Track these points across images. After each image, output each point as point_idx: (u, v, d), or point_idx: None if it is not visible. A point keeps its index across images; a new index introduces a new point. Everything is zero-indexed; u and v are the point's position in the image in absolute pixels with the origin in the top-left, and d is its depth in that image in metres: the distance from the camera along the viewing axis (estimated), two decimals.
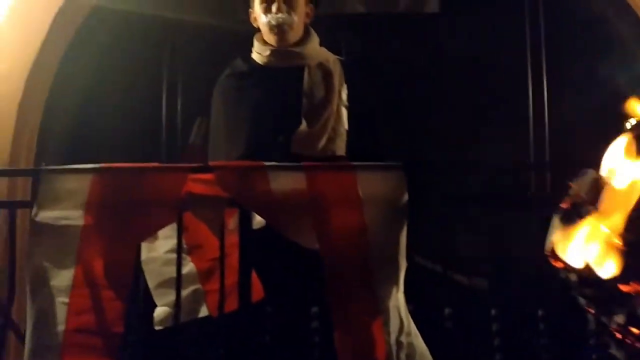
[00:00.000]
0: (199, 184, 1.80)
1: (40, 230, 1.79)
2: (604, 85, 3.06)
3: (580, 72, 3.07)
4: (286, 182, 1.78)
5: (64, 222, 1.78)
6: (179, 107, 3.28)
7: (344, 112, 2.24)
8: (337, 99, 2.23)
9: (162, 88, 3.30)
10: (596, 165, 1.67)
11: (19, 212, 2.28)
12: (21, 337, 1.81)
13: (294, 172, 1.79)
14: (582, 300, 1.17)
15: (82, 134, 3.35)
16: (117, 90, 3.31)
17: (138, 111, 3.29)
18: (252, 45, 2.34)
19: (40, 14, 3.08)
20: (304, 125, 2.16)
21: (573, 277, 1.11)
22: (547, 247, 1.17)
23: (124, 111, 3.29)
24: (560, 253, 1.10)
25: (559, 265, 1.11)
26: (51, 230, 1.78)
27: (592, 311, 1.17)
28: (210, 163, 1.85)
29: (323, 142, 2.17)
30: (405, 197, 1.76)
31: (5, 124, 3.05)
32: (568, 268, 1.11)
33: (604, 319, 1.13)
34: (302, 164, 1.83)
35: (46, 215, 1.80)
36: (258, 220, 1.84)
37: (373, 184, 1.77)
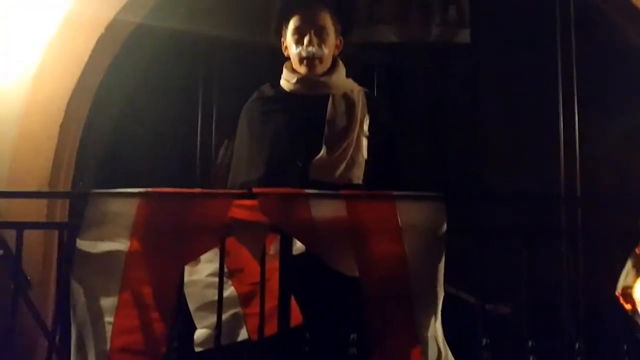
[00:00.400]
0: (242, 210, 1.84)
1: (86, 251, 1.85)
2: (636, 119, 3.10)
3: (613, 104, 3.09)
4: (327, 209, 1.82)
5: (110, 244, 1.84)
6: (213, 129, 3.36)
7: (364, 142, 2.28)
8: (358, 128, 2.27)
9: (198, 110, 3.38)
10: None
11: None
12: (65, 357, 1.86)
13: (335, 200, 1.83)
14: None
15: (118, 156, 3.45)
16: (153, 112, 3.40)
17: (173, 133, 3.38)
18: (281, 68, 2.41)
19: (84, 38, 3.20)
20: (323, 152, 2.20)
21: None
22: (619, 288, 1.18)
23: (159, 133, 3.38)
24: (634, 295, 1.12)
25: (628, 307, 1.12)
26: (97, 251, 1.84)
27: None
28: (254, 190, 1.88)
29: (341, 169, 2.21)
30: (444, 227, 1.79)
31: (47, 146, 3.15)
32: (636, 311, 1.12)
33: None
34: (342, 192, 1.88)
35: (92, 236, 1.86)
36: (298, 247, 1.88)
37: (413, 214, 1.80)
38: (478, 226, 1.94)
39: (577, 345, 1.73)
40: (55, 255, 3.11)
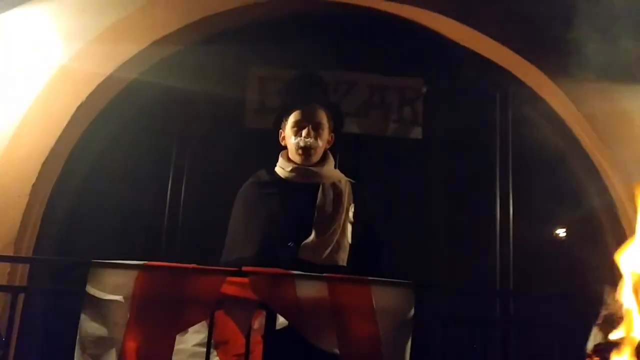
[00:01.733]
0: (233, 287, 2.04)
1: (88, 317, 1.98)
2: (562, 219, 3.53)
3: (543, 207, 3.51)
4: (310, 290, 2.04)
5: (110, 312, 1.98)
6: (181, 203, 3.52)
7: (349, 228, 2.52)
8: (344, 215, 2.53)
9: (168, 185, 3.54)
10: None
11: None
12: None
13: (318, 281, 2.06)
14: None
15: (84, 219, 3.53)
16: (122, 178, 3.53)
17: (141, 203, 3.51)
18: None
19: (64, 104, 3.35)
20: (313, 236, 2.42)
21: None
22: (589, 347, 1.42)
23: (127, 203, 3.50)
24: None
25: None
26: (98, 318, 1.98)
27: None
28: (244, 268, 2.08)
29: (327, 252, 2.43)
30: (412, 311, 2.05)
31: (18, 204, 3.23)
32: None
33: None
34: (325, 275, 2.11)
35: (94, 304, 1.99)
36: (281, 322, 2.08)
37: (386, 298, 2.05)
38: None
39: None
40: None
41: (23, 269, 3.28)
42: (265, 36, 3.64)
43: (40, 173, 3.29)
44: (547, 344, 2.19)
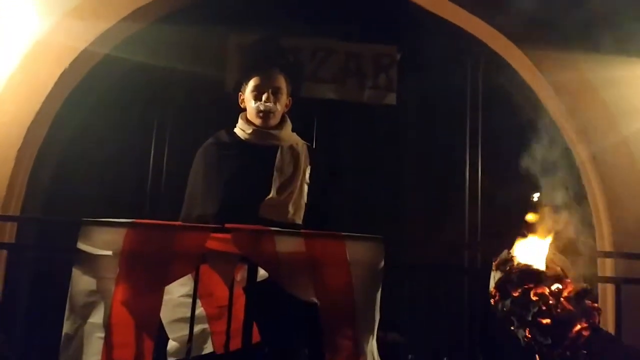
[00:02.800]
0: (217, 242, 2.18)
1: (79, 273, 2.11)
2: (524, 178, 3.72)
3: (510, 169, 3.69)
4: (289, 245, 2.19)
5: (100, 267, 2.11)
6: (164, 165, 3.64)
7: (305, 188, 2.63)
8: (301, 176, 2.64)
9: (151, 140, 3.66)
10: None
11: None
12: None
13: (296, 237, 2.22)
14: (514, 321, 1.57)
15: (67, 182, 3.64)
16: (105, 146, 3.64)
17: (125, 166, 3.63)
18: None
19: (48, 69, 3.43)
20: (273, 194, 2.53)
21: (507, 303, 1.55)
22: (491, 288, 1.62)
23: (111, 166, 3.62)
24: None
25: (497, 297, 1.55)
26: (89, 273, 2.11)
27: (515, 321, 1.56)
28: (227, 225, 2.22)
29: (286, 210, 2.54)
30: (382, 263, 2.21)
31: (3, 169, 3.32)
32: (503, 296, 1.56)
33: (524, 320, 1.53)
34: (302, 231, 2.26)
35: (84, 260, 2.12)
36: (261, 274, 2.23)
37: (358, 251, 2.21)
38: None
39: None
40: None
41: (11, 231, 3.39)
42: (243, 5, 3.73)
43: (25, 138, 3.38)
44: None
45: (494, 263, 1.62)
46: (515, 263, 1.59)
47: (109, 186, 3.61)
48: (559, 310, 1.49)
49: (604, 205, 3.44)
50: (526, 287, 1.54)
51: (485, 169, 3.77)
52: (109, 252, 2.13)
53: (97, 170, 3.62)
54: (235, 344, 2.15)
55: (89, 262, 2.14)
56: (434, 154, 3.76)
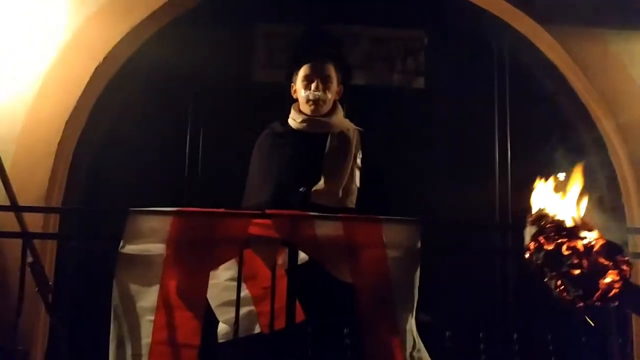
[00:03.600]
0: (259, 227, 2.28)
1: (127, 260, 2.23)
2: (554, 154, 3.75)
3: (538, 146, 3.74)
4: (327, 229, 2.28)
5: (148, 254, 2.22)
6: (199, 154, 3.75)
7: (357, 173, 2.75)
8: (352, 161, 2.75)
9: (186, 138, 3.76)
10: None
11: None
12: None
13: (334, 221, 2.30)
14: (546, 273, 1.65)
15: (106, 173, 3.77)
16: (141, 138, 3.74)
17: (162, 157, 3.73)
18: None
19: (84, 63, 3.53)
20: (322, 181, 2.65)
21: (541, 256, 1.63)
22: (525, 242, 1.70)
23: (148, 157, 3.72)
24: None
25: (531, 251, 1.63)
26: (137, 260, 2.23)
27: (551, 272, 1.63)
28: (267, 211, 2.32)
29: (337, 195, 2.66)
30: (419, 244, 2.29)
31: (46, 162, 3.45)
32: (537, 250, 1.63)
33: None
34: (339, 215, 2.35)
35: (132, 248, 2.24)
36: (302, 257, 2.32)
37: (395, 233, 2.29)
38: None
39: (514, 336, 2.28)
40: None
41: (54, 221, 3.52)
42: None
43: (63, 132, 3.51)
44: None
45: (528, 219, 1.69)
46: (550, 219, 1.65)
47: (145, 176, 3.71)
48: (590, 262, 1.56)
49: (633, 181, 3.47)
50: (559, 241, 1.60)
51: (513, 147, 3.81)
52: (158, 239, 2.24)
53: (134, 160, 3.72)
54: (280, 323, 2.26)
55: (137, 249, 2.25)
56: (463, 133, 3.80)
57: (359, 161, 2.77)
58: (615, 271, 1.56)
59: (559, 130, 3.83)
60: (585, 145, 3.76)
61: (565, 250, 1.59)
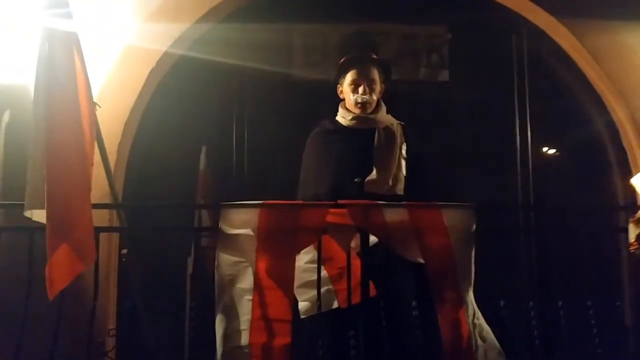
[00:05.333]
0: (335, 216, 2.59)
1: (223, 251, 2.55)
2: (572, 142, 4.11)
3: (556, 132, 4.09)
4: (395, 215, 2.60)
5: (243, 244, 2.54)
6: (245, 151, 4.04)
7: (403, 163, 3.06)
8: (398, 152, 3.06)
9: (232, 128, 4.04)
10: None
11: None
12: None
13: (400, 209, 2.63)
14: None
15: (158, 171, 4.04)
16: (192, 131, 4.03)
17: (210, 153, 4.01)
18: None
19: (139, 68, 3.80)
20: (374, 172, 2.95)
21: None
22: (630, 239, 2.10)
23: (197, 154, 4.00)
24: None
25: (636, 246, 2.04)
26: (232, 249, 2.54)
27: None
28: (340, 202, 2.62)
29: (388, 184, 2.97)
30: (474, 226, 2.62)
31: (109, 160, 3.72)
32: None
33: None
34: (404, 203, 2.67)
35: (226, 240, 2.55)
36: (372, 240, 2.64)
37: (454, 217, 2.62)
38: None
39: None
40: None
41: (111, 217, 3.79)
42: None
43: (122, 133, 3.78)
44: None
45: (631, 220, 2.06)
46: None
47: (194, 174, 3.99)
48: None
49: None
50: None
51: (533, 134, 4.14)
52: (248, 230, 2.55)
53: (185, 157, 4.00)
54: (356, 298, 2.59)
55: (231, 239, 2.57)
56: (486, 122, 4.12)
57: (404, 152, 3.08)
58: None
59: (574, 116, 4.18)
60: (598, 130, 4.11)
61: None
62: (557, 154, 4.24)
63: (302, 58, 4.12)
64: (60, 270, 2.25)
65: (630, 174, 3.99)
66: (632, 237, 2.06)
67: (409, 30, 4.13)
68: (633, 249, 2.05)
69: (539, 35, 4.15)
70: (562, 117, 4.19)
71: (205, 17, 3.91)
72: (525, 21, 4.13)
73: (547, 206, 3.93)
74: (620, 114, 3.99)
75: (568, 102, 4.20)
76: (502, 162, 4.12)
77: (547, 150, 4.18)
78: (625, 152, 4.04)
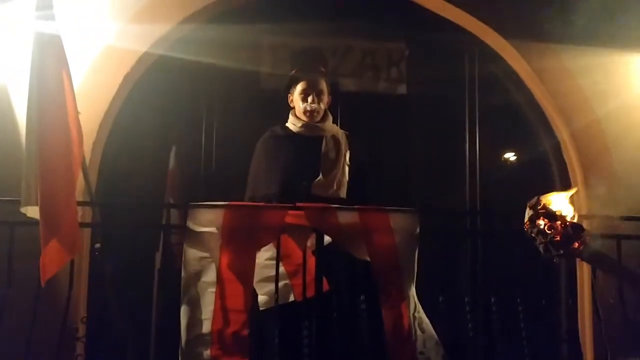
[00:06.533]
0: (293, 217, 2.87)
1: (190, 247, 2.80)
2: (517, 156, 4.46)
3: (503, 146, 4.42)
4: (347, 217, 2.89)
5: (208, 241, 2.79)
6: (213, 152, 4.28)
7: (346, 169, 3.33)
8: (343, 159, 3.33)
9: (202, 129, 4.28)
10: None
11: None
12: None
13: (351, 212, 2.91)
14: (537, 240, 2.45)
15: (130, 169, 4.25)
16: (163, 131, 4.25)
17: (180, 155, 4.24)
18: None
19: (114, 72, 4.01)
20: (320, 176, 3.21)
21: (535, 230, 2.42)
22: (525, 220, 2.46)
23: (167, 155, 4.22)
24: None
25: (528, 226, 2.42)
26: (199, 246, 2.79)
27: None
28: (298, 204, 2.90)
29: (332, 188, 3.23)
30: (418, 229, 2.92)
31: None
32: (532, 226, 2.41)
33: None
34: (356, 207, 2.96)
35: (193, 237, 2.80)
36: (326, 240, 2.93)
37: (399, 220, 2.92)
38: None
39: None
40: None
41: (84, 213, 4.00)
42: (274, 10, 4.32)
43: (97, 133, 3.98)
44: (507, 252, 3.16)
45: (528, 204, 2.53)
46: (541, 205, 2.48)
47: (164, 173, 4.21)
48: (564, 234, 2.43)
49: (581, 176, 4.17)
50: (545, 221, 2.46)
51: (482, 146, 4.48)
52: (213, 228, 2.81)
53: (156, 157, 4.22)
54: (310, 292, 2.86)
55: (197, 236, 2.82)
56: (439, 134, 4.44)
57: (347, 159, 3.37)
58: (579, 240, 2.43)
59: (520, 131, 4.53)
60: (542, 145, 4.46)
61: (547, 229, 2.33)
62: (504, 165, 4.58)
63: (270, 67, 4.37)
64: (51, 259, 2.47)
65: (569, 185, 4.36)
66: (526, 219, 2.45)
67: (369, 45, 4.42)
68: (526, 229, 2.44)
69: (490, 54, 4.48)
70: (509, 131, 4.54)
71: (181, 22, 4.12)
72: (478, 41, 4.45)
73: (492, 212, 4.24)
74: (562, 131, 4.34)
75: (515, 117, 4.54)
76: (452, 171, 4.44)
77: (494, 162, 4.51)
78: (566, 166, 4.39)
